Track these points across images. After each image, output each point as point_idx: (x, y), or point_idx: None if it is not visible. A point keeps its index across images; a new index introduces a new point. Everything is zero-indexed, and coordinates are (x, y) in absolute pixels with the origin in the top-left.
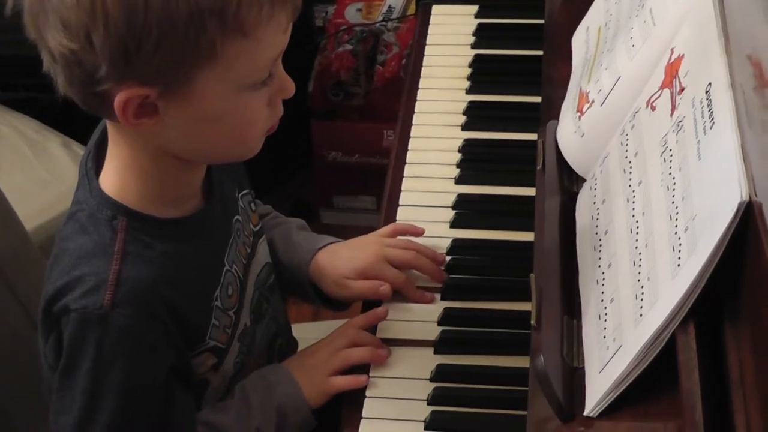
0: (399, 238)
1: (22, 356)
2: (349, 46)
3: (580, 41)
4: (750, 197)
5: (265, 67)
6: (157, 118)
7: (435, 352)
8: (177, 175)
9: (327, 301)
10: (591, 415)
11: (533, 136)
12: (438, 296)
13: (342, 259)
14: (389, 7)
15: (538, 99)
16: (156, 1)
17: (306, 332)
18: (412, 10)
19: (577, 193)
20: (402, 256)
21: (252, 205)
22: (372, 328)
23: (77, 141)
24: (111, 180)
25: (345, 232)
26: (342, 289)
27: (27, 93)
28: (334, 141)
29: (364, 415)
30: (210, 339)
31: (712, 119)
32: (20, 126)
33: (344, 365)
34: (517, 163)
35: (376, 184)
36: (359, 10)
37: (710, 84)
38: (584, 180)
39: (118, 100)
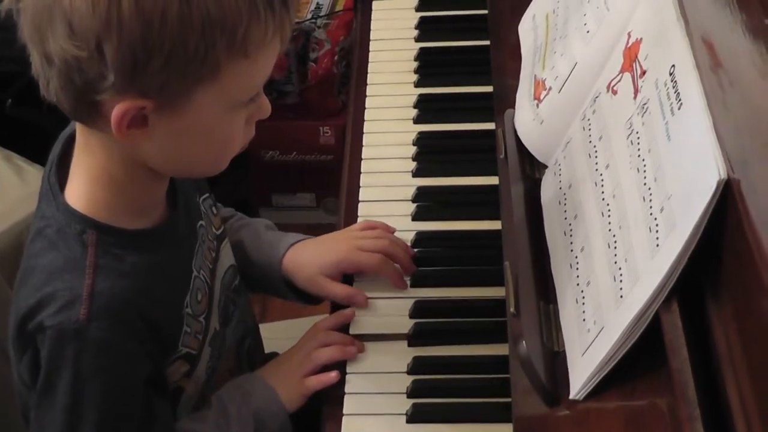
0: (370, 231)
1: None
2: None
3: (527, 29)
4: (728, 175)
5: (257, 88)
6: (145, 130)
7: (409, 345)
8: (147, 186)
9: (300, 296)
10: (577, 398)
11: (486, 126)
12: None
13: (315, 254)
14: (317, 4)
15: (487, 89)
16: (173, 15)
17: (274, 332)
18: (340, 6)
19: (540, 180)
20: (376, 243)
21: (213, 208)
22: (345, 327)
23: (18, 154)
24: (78, 193)
25: (286, 230)
26: (316, 287)
27: None
28: (270, 140)
29: (345, 411)
30: (182, 346)
31: (679, 100)
32: None
33: (316, 366)
34: (472, 153)
35: (314, 182)
36: None
37: (674, 66)
38: (546, 167)
39: (117, 110)
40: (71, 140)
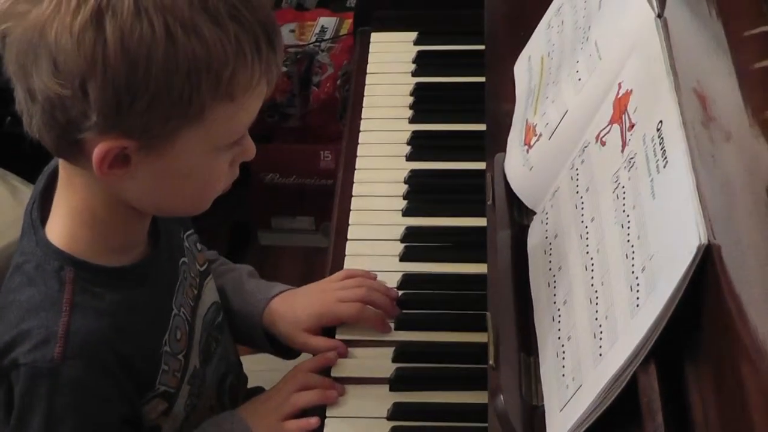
0: (350, 280)
1: None
2: (283, 68)
3: (522, 70)
4: (708, 240)
5: (241, 131)
6: (127, 169)
7: (390, 390)
8: (128, 223)
9: (278, 349)
10: None
11: (479, 165)
12: (391, 332)
13: (296, 308)
14: (322, 27)
15: (482, 127)
16: (158, 57)
17: (250, 365)
18: (345, 30)
19: (528, 226)
20: (355, 293)
21: (197, 245)
22: (326, 370)
23: (13, 173)
24: (58, 229)
25: (284, 253)
26: (297, 342)
27: None
28: (270, 163)
29: None
30: (160, 384)
31: (665, 158)
32: None
33: (295, 410)
34: (463, 193)
35: (313, 205)
36: (292, 31)
37: (661, 122)
38: (534, 213)
39: (99, 150)
40: (54, 175)
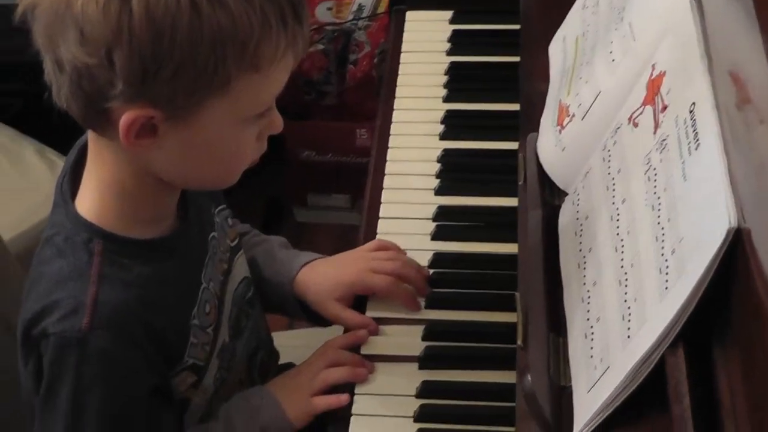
0: (383, 251)
1: (3, 368)
2: (320, 46)
3: (557, 51)
4: (738, 224)
5: (268, 103)
6: (154, 139)
7: (420, 368)
8: (157, 196)
9: (311, 316)
10: None
11: (512, 145)
12: (421, 310)
13: (327, 276)
14: (359, 5)
15: (516, 107)
16: (183, 27)
17: (282, 341)
18: (382, 8)
19: (560, 207)
20: (388, 265)
21: (228, 220)
22: (356, 347)
23: (51, 147)
24: (88, 201)
25: (319, 230)
26: (328, 310)
27: None
28: (307, 140)
29: None
30: (188, 357)
31: (697, 140)
32: None
33: (325, 386)
34: (496, 173)
35: (349, 183)
36: (329, 9)
37: (694, 104)
38: (566, 193)
39: (126, 119)
40: (85, 149)
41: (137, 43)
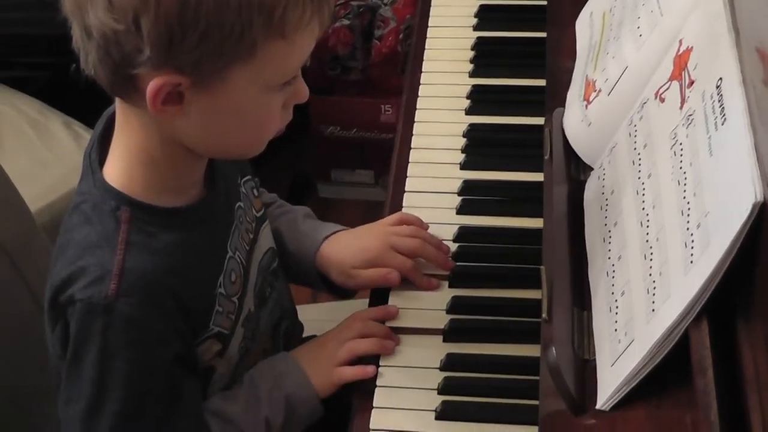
0: (405, 226)
1: (31, 340)
2: (345, 21)
3: (584, 26)
4: (764, 198)
5: (293, 71)
6: (180, 107)
7: (444, 341)
8: (184, 164)
9: (333, 289)
10: (603, 408)
11: (538, 121)
12: (446, 284)
13: (349, 247)
14: None
15: (542, 82)
16: None
17: (306, 314)
18: None
19: (585, 182)
20: (409, 244)
21: (255, 191)
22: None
23: (77, 119)
24: (116, 169)
25: (343, 206)
26: (349, 279)
27: (28, 71)
28: (331, 116)
29: (375, 404)
30: (214, 325)
31: (724, 115)
32: (22, 106)
33: (351, 356)
34: (522, 147)
35: (374, 159)
36: None
37: (721, 79)
38: (591, 168)
39: (153, 85)
40: (113, 119)
41: (164, 9)
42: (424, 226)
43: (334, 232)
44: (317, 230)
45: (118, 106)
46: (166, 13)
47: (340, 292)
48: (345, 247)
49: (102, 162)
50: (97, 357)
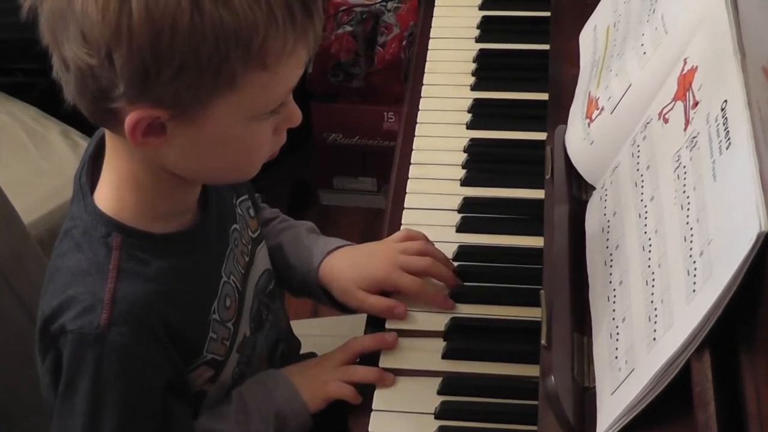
0: (412, 243)
1: (23, 353)
2: (348, 28)
3: (587, 40)
4: None
5: (279, 99)
6: (163, 138)
7: (443, 358)
8: (175, 191)
9: (336, 303)
10: None
11: (540, 136)
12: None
13: (356, 267)
14: None
15: (544, 96)
16: (183, 25)
17: (306, 329)
18: None
19: (587, 201)
20: (418, 263)
21: (251, 210)
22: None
23: (76, 128)
24: (106, 195)
25: (344, 213)
26: (352, 300)
27: (25, 78)
28: (334, 123)
29: (370, 430)
30: (207, 352)
31: (728, 139)
32: (19, 114)
33: (347, 379)
34: (524, 164)
35: (376, 166)
36: None
37: (726, 101)
38: (593, 188)
39: (130, 119)
40: (104, 141)
41: (137, 43)
42: (429, 243)
43: (338, 247)
44: (320, 244)
45: (106, 132)
46: (139, 47)
47: (343, 306)
48: (352, 266)
49: (93, 185)
50: (90, 387)
